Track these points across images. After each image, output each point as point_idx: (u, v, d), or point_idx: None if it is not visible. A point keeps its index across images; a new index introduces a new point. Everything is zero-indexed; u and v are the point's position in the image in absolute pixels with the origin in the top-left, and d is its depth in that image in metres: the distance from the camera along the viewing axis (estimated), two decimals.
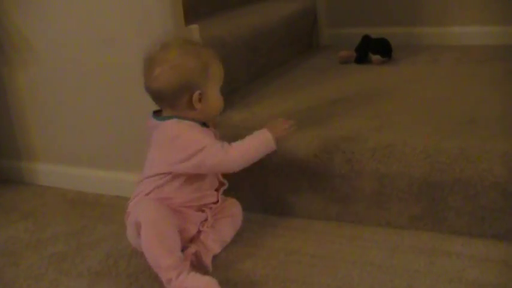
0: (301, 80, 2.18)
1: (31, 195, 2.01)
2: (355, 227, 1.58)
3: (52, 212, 1.86)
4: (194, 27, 1.74)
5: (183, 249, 1.42)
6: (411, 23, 2.60)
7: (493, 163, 1.41)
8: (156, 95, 1.46)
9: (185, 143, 1.42)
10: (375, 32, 2.39)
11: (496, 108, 1.70)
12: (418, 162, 1.48)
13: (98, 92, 1.85)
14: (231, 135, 1.51)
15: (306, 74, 2.26)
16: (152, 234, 1.35)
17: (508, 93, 1.82)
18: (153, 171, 1.46)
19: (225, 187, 1.56)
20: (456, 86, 1.94)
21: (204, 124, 1.49)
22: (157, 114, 1.50)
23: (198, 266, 1.42)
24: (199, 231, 1.49)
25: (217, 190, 1.55)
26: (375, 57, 2.31)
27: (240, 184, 1.60)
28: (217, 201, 1.54)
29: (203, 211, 1.51)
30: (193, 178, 1.47)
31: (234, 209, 1.57)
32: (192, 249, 1.44)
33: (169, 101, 1.44)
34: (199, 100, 1.43)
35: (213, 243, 1.48)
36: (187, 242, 1.46)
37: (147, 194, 1.45)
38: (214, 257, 1.48)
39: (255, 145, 1.45)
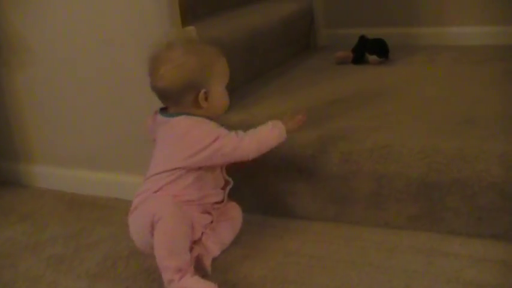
0: (299, 80, 2.18)
1: (29, 197, 2.01)
2: (354, 227, 1.58)
3: (50, 214, 1.86)
4: (191, 29, 1.74)
5: None
6: (408, 23, 2.60)
7: (491, 163, 1.41)
8: (162, 94, 1.46)
9: (200, 134, 1.42)
10: (372, 32, 2.39)
11: (493, 109, 1.70)
12: (415, 162, 1.49)
13: (96, 93, 1.85)
14: None
15: (304, 75, 2.26)
16: (169, 232, 1.34)
17: (506, 93, 1.82)
18: (163, 167, 1.44)
19: (231, 185, 1.56)
20: (453, 86, 1.94)
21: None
22: (163, 111, 1.50)
23: (197, 268, 1.42)
24: (201, 233, 1.49)
25: (223, 189, 1.55)
26: (372, 58, 2.31)
27: (239, 186, 1.60)
28: (223, 200, 1.54)
29: (209, 213, 1.50)
30: (203, 174, 1.46)
31: (234, 212, 1.57)
32: (196, 251, 1.44)
33: (175, 99, 1.45)
34: (205, 99, 1.44)
35: (213, 245, 1.48)
36: (191, 244, 1.46)
37: (155, 192, 1.43)
38: (213, 259, 1.48)
39: (268, 134, 1.48)
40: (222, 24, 2.22)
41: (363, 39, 2.37)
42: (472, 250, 1.41)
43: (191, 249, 1.42)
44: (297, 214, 1.66)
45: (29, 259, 1.60)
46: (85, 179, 1.97)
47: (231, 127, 1.48)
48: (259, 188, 1.68)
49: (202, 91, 1.43)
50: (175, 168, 1.43)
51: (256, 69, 2.20)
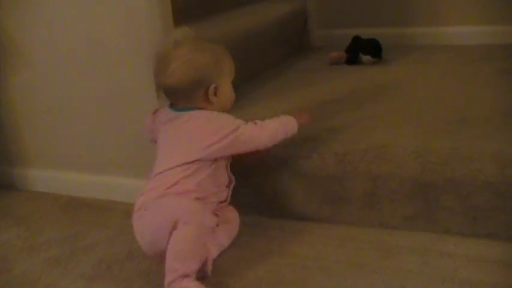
0: (294, 81, 2.18)
1: (24, 200, 2.01)
2: (349, 228, 1.58)
3: (45, 217, 1.86)
4: (190, 29, 1.74)
5: None
6: (402, 23, 2.61)
7: (485, 163, 1.42)
8: (172, 91, 1.48)
9: (221, 124, 1.46)
10: (366, 32, 2.39)
11: (487, 108, 1.70)
12: (410, 162, 1.49)
13: (90, 96, 1.85)
14: None
15: (298, 76, 2.26)
16: (191, 240, 1.33)
17: (500, 92, 1.83)
18: (178, 161, 1.43)
19: (233, 184, 1.57)
20: (448, 86, 1.95)
21: None
22: (172, 107, 1.52)
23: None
24: None
25: (227, 187, 1.56)
26: (366, 58, 2.31)
27: (234, 187, 1.60)
28: (226, 199, 1.54)
29: (216, 215, 1.50)
30: (217, 167, 1.48)
31: (232, 216, 1.58)
32: None
33: (185, 95, 1.47)
34: (215, 94, 1.47)
35: (212, 247, 1.48)
36: None
37: (170, 187, 1.41)
38: None
39: (283, 125, 1.54)
40: (217, 25, 2.22)
41: (356, 39, 2.37)
42: (467, 249, 1.41)
43: None
44: (292, 215, 1.66)
45: (25, 262, 1.59)
46: (80, 181, 1.96)
47: None
48: (254, 189, 1.68)
49: (213, 86, 1.46)
50: (194, 161, 1.43)
51: (251, 70, 2.20)
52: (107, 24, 1.74)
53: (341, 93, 1.98)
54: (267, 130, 1.51)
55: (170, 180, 1.42)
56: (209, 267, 1.42)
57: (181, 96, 1.48)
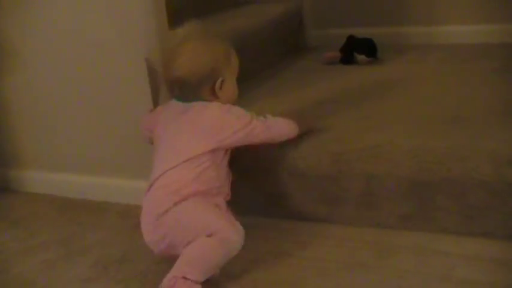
0: (289, 82, 2.18)
1: (20, 202, 2.00)
2: (345, 228, 1.58)
3: (41, 218, 1.85)
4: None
5: None
6: (397, 22, 2.61)
7: (480, 162, 1.42)
8: (181, 84, 1.48)
9: (236, 115, 1.48)
10: (362, 32, 2.39)
11: (483, 107, 1.70)
12: (405, 162, 1.49)
13: (86, 97, 1.84)
14: None
15: (293, 76, 2.26)
16: (218, 255, 1.35)
17: (495, 91, 1.83)
18: (195, 151, 1.43)
19: (232, 179, 1.57)
20: (443, 85, 1.95)
21: None
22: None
23: None
24: None
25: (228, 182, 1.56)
26: (361, 58, 2.31)
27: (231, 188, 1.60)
28: (228, 194, 1.55)
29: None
30: (222, 163, 1.49)
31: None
32: None
33: (194, 89, 1.48)
34: (220, 88, 1.48)
35: None
36: None
37: (195, 178, 1.41)
38: None
39: (289, 125, 1.59)
40: (212, 26, 2.22)
41: (351, 38, 2.37)
42: (463, 248, 1.42)
43: None
44: (288, 215, 1.66)
45: (21, 264, 1.59)
46: (76, 183, 1.96)
47: None
48: (249, 190, 1.68)
49: (220, 79, 1.48)
50: (211, 150, 1.44)
51: (246, 71, 2.19)
52: (102, 25, 1.74)
53: (336, 93, 1.98)
54: (277, 124, 1.55)
55: (184, 176, 1.42)
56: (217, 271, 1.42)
57: (190, 89, 1.48)
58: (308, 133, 1.64)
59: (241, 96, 1.97)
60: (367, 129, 1.64)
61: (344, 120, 1.72)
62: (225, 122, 1.46)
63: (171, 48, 1.49)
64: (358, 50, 2.32)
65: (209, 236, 1.34)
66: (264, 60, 2.35)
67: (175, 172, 1.43)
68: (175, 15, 1.84)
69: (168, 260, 1.39)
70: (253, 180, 1.67)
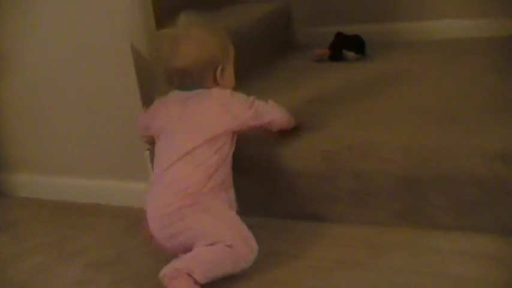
0: (278, 80, 2.18)
1: (11, 206, 2.00)
2: (338, 226, 1.58)
3: (33, 222, 1.85)
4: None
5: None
6: (387, 19, 2.60)
7: (472, 158, 1.42)
8: (183, 73, 1.48)
9: (240, 96, 1.50)
10: (351, 29, 2.38)
11: (474, 103, 1.71)
12: (397, 158, 1.49)
13: (77, 99, 1.84)
14: None
15: (283, 75, 2.26)
16: (227, 266, 1.36)
17: (486, 87, 1.83)
18: (205, 135, 1.43)
19: None
20: (433, 81, 1.95)
21: None
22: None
23: None
24: None
25: None
26: (349, 54, 2.31)
27: None
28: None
29: None
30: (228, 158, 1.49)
31: None
32: None
33: (197, 76, 1.48)
34: (221, 75, 1.49)
35: None
36: None
37: (213, 165, 1.42)
38: None
39: (284, 114, 1.60)
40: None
41: (339, 35, 2.37)
42: (456, 244, 1.42)
43: None
44: (280, 214, 1.66)
45: (14, 267, 1.59)
46: (67, 186, 1.95)
47: None
48: (241, 189, 1.68)
49: (220, 67, 1.48)
50: (223, 133, 1.45)
51: (236, 70, 2.19)
52: (91, 29, 1.73)
53: (327, 91, 1.98)
54: (278, 108, 1.57)
55: (204, 162, 1.42)
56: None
57: (193, 77, 1.48)
58: (298, 131, 1.65)
59: None
60: (358, 126, 1.64)
61: (334, 118, 1.72)
62: (233, 102, 1.47)
63: (172, 37, 1.49)
64: (347, 46, 2.33)
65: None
66: (253, 59, 2.35)
67: (185, 164, 1.41)
68: (165, 15, 1.83)
69: (168, 260, 1.38)
70: (244, 180, 1.67)
